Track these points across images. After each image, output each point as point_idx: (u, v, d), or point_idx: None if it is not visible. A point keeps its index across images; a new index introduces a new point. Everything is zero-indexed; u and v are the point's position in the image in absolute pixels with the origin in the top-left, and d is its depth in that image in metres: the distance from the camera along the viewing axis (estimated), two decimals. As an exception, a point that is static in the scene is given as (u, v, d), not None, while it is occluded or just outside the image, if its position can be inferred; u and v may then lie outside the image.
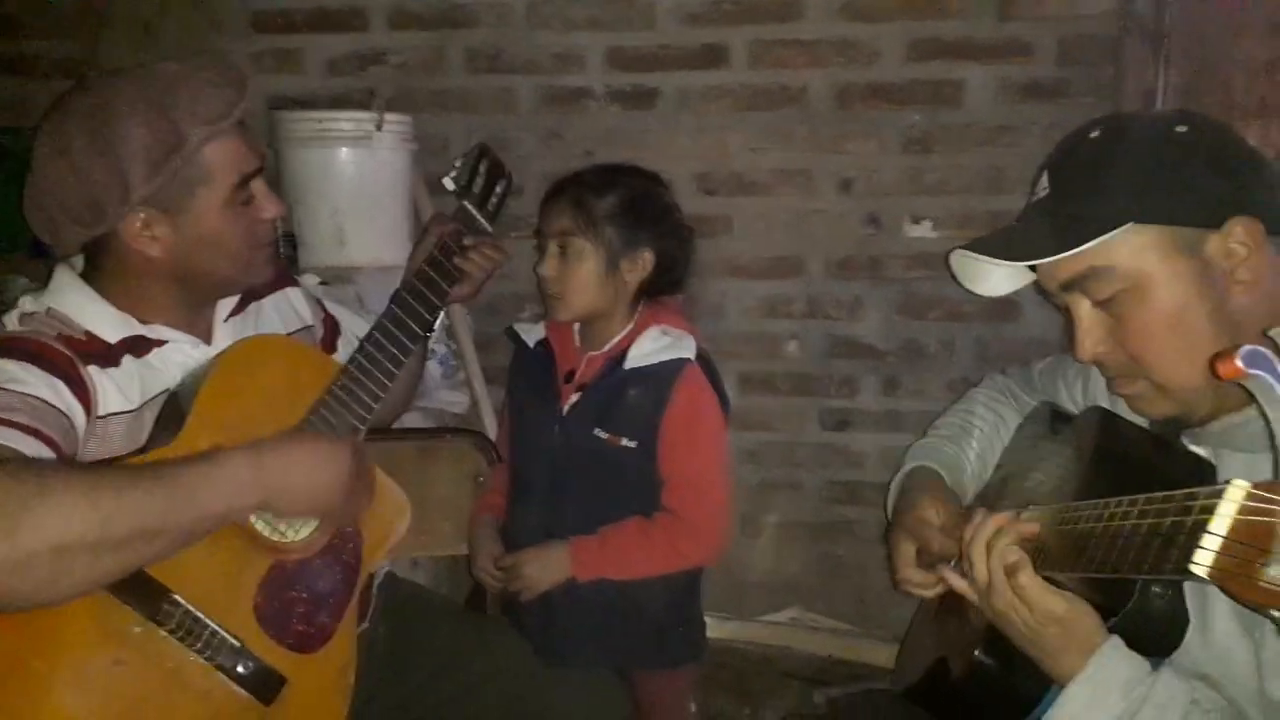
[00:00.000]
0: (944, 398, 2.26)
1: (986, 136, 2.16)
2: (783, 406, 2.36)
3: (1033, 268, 1.04)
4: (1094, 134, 1.00)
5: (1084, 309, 0.99)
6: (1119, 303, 0.95)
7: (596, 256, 1.49)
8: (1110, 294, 0.95)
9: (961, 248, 1.07)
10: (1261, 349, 0.67)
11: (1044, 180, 1.03)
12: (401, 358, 1.30)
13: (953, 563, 1.22)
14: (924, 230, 2.23)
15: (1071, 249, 0.94)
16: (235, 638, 1.10)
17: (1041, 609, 0.91)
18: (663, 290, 1.57)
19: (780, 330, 2.33)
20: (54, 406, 1.05)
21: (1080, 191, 0.97)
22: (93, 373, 1.12)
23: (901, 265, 2.25)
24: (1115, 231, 0.93)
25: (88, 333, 1.15)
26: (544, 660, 1.48)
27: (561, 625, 1.52)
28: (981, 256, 1.04)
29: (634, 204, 1.51)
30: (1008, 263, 1.02)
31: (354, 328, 1.50)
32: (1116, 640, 0.90)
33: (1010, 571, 0.93)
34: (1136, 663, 0.90)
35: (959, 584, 1.04)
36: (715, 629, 1.71)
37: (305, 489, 1.09)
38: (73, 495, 0.90)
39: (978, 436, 1.36)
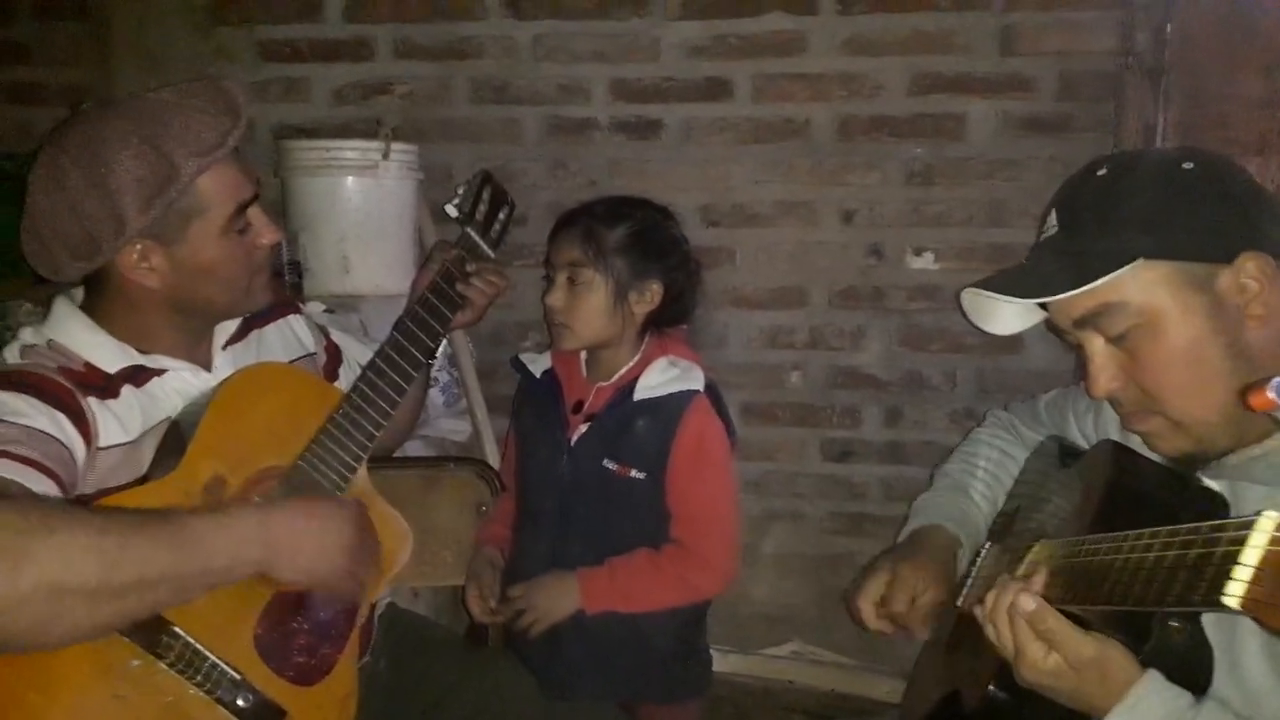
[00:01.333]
0: (946, 429, 2.27)
1: (988, 170, 2.18)
2: (784, 437, 2.36)
3: (1044, 305, 1.04)
4: (1101, 171, 1.00)
5: (1097, 346, 0.99)
6: (1132, 339, 0.95)
7: (605, 288, 1.49)
8: (1123, 330, 0.95)
9: (972, 286, 1.07)
10: None
11: (1052, 218, 1.03)
12: (404, 385, 1.30)
13: (966, 586, 1.22)
14: (926, 262, 2.24)
15: (1083, 286, 0.94)
16: (236, 670, 1.08)
17: (1073, 651, 0.89)
18: (669, 321, 1.58)
19: (782, 360, 2.33)
20: (55, 439, 1.05)
21: (1090, 228, 0.98)
22: (92, 404, 1.11)
23: (903, 296, 2.26)
24: (1126, 267, 0.93)
25: (87, 364, 1.15)
26: (548, 693, 1.46)
27: (566, 658, 1.50)
28: (993, 294, 1.03)
29: (643, 236, 1.52)
30: (1020, 300, 1.02)
31: (357, 355, 1.50)
32: (1154, 672, 0.89)
33: (1033, 620, 0.91)
34: (1176, 692, 0.89)
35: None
36: (716, 662, 1.69)
37: (308, 554, 1.08)
38: (78, 538, 0.88)
39: (984, 479, 1.36)
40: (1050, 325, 1.06)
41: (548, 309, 1.53)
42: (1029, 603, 0.91)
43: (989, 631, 0.97)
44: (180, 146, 1.11)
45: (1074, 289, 0.95)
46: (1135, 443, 1.06)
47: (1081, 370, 1.02)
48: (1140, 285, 0.94)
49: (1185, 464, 1.00)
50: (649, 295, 1.52)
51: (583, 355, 1.59)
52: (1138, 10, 2.04)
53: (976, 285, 1.06)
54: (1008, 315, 1.09)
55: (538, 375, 1.62)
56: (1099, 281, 0.94)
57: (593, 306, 1.49)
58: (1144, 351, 0.95)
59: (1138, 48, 2.05)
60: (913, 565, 1.26)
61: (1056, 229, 1.02)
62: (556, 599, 1.49)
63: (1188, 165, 0.96)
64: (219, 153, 1.13)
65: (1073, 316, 0.99)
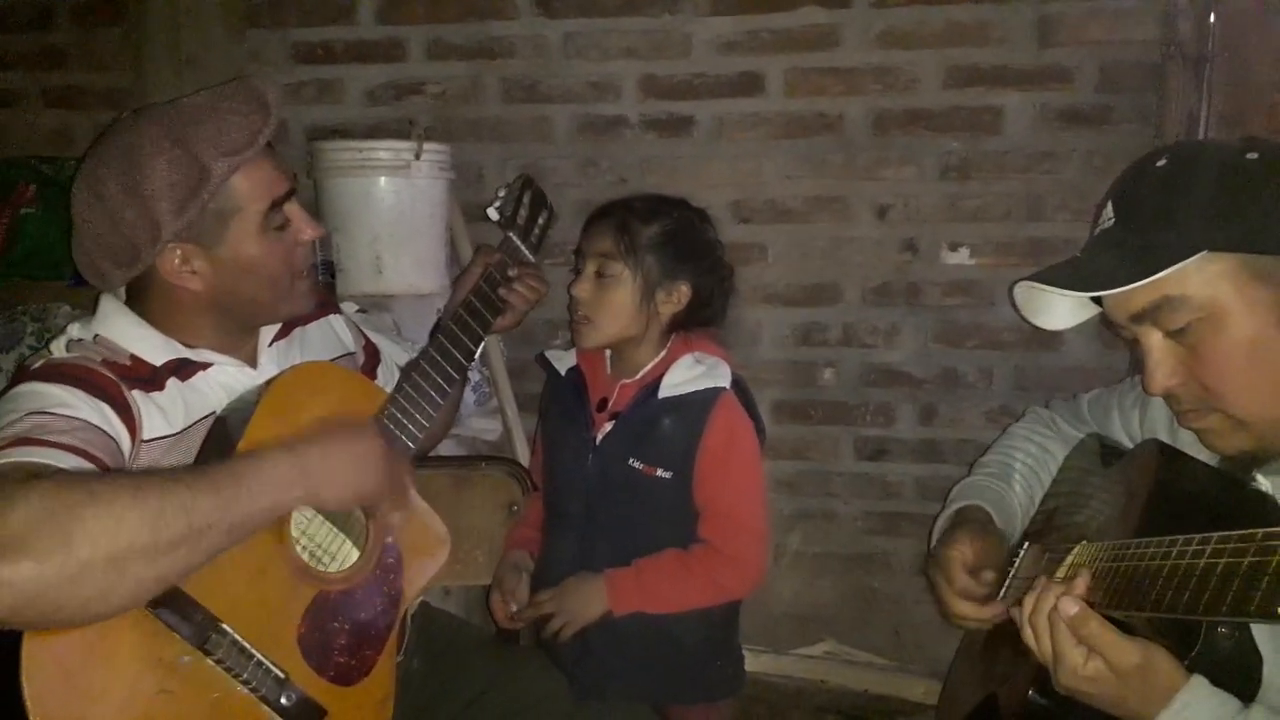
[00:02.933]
0: (982, 427, 2.24)
1: (1025, 163, 2.15)
2: (817, 435, 2.34)
3: (1097, 300, 1.02)
4: (1160, 163, 0.98)
5: (1155, 340, 0.97)
6: (1193, 333, 0.93)
7: (633, 283, 1.48)
8: (1183, 324, 0.93)
9: (1027, 279, 1.05)
10: None
11: (1108, 210, 1.01)
12: (447, 387, 1.31)
13: (1005, 586, 1.20)
14: (962, 257, 2.21)
15: (1146, 278, 0.92)
16: (280, 669, 1.09)
17: (1116, 657, 0.87)
18: (696, 324, 1.55)
19: (815, 358, 2.31)
20: (101, 429, 1.06)
21: (1151, 220, 0.95)
22: (137, 397, 1.13)
23: (939, 292, 2.23)
24: (1189, 260, 0.91)
25: (133, 357, 1.16)
26: (579, 693, 1.45)
27: (597, 658, 1.50)
28: (1049, 288, 1.01)
29: (677, 236, 1.50)
30: (1077, 293, 1.00)
31: (394, 355, 1.50)
32: (1200, 678, 0.87)
33: (1075, 625, 0.89)
34: (1223, 699, 0.87)
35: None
36: (749, 662, 1.68)
37: (348, 475, 1.09)
38: (121, 499, 0.89)
39: (1023, 471, 1.33)
40: (1105, 321, 1.03)
41: (572, 299, 1.52)
42: (1071, 607, 0.90)
43: (1027, 635, 0.96)
44: (211, 148, 1.12)
45: (1137, 281, 0.93)
46: (1183, 442, 1.03)
47: (1136, 366, 0.99)
48: (1204, 278, 0.92)
49: (1242, 464, 0.97)
50: (676, 296, 1.51)
51: (607, 352, 1.58)
52: (1180, -1, 2.01)
53: (1031, 278, 1.04)
54: (1061, 310, 1.07)
55: (563, 372, 1.61)
56: (1162, 273, 0.92)
57: (618, 301, 1.48)
58: (1205, 346, 0.93)
59: (1180, 37, 2.01)
60: (948, 548, 1.22)
61: (1114, 221, 1.00)
62: (584, 602, 1.48)
63: (1252, 156, 0.93)
64: (249, 151, 1.14)
65: (1131, 310, 0.97)
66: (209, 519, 0.94)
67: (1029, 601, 0.96)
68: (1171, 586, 0.80)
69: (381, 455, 1.14)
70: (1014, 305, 1.12)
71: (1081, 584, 0.93)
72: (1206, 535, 0.78)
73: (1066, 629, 0.90)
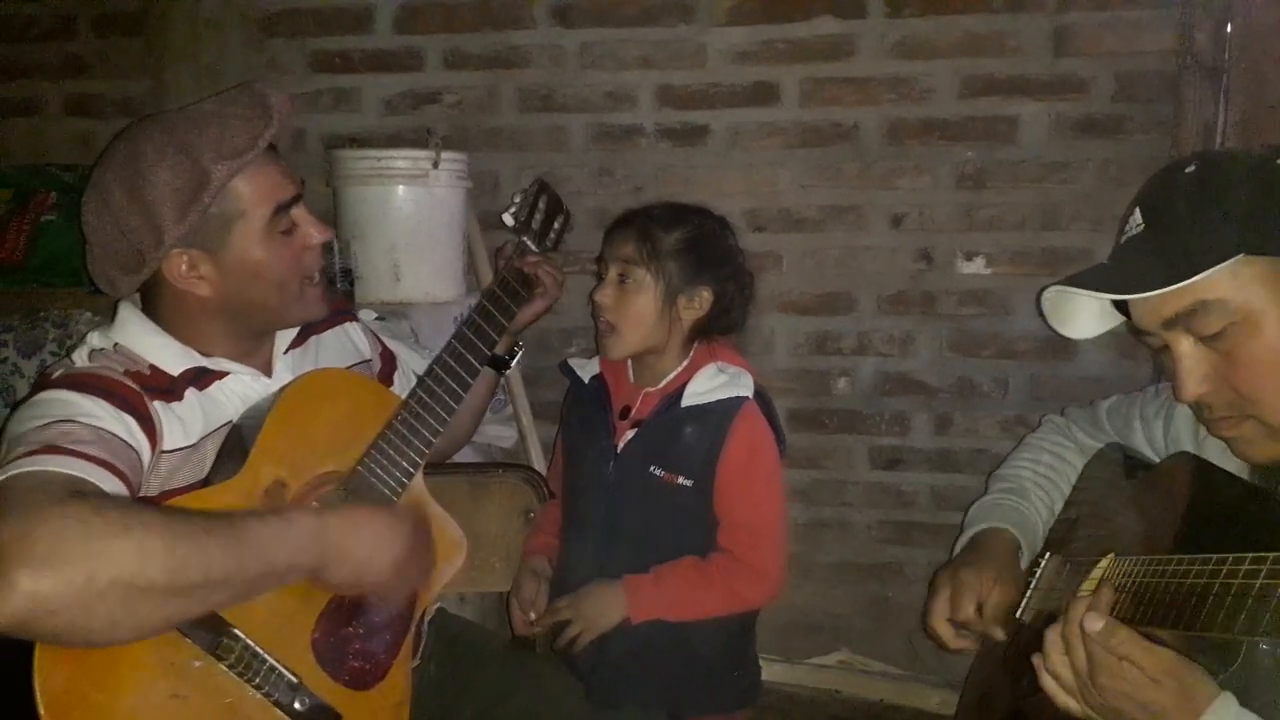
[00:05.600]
0: (997, 437, 2.23)
1: (1041, 173, 2.14)
2: (832, 444, 2.33)
3: (1122, 309, 1.01)
4: (1189, 169, 0.97)
5: (1186, 347, 0.96)
6: (1228, 338, 0.93)
7: (655, 289, 1.48)
8: (1218, 329, 0.93)
9: (1058, 283, 1.04)
10: None
11: (1136, 217, 1.00)
12: (460, 392, 1.30)
13: (1026, 597, 1.18)
14: (977, 267, 2.21)
15: (1183, 280, 0.91)
16: (293, 674, 1.09)
17: (1152, 663, 0.85)
18: (717, 331, 1.56)
19: (830, 367, 2.31)
20: (125, 442, 1.07)
21: (1185, 224, 0.95)
22: (157, 408, 1.13)
23: (954, 302, 2.23)
24: (1227, 263, 0.91)
25: (152, 366, 1.17)
26: (595, 701, 1.46)
27: (613, 666, 1.49)
28: (1083, 291, 1.01)
29: (699, 243, 1.51)
30: (1111, 297, 0.99)
31: (411, 363, 1.51)
32: (1229, 696, 0.85)
33: (1104, 637, 0.88)
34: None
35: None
36: (763, 671, 1.67)
37: (356, 562, 1.08)
38: (152, 539, 0.90)
39: (1042, 485, 1.33)
40: (1130, 329, 1.03)
41: (596, 306, 1.52)
42: (1096, 621, 0.88)
43: (1053, 655, 0.94)
44: (211, 152, 1.12)
45: (1174, 284, 0.92)
46: (1209, 452, 1.03)
47: (1161, 373, 0.99)
48: (1239, 282, 0.91)
49: (1274, 473, 0.96)
50: (698, 302, 1.51)
51: (630, 361, 1.59)
52: (1196, 8, 2.00)
53: (1064, 282, 1.03)
54: (1086, 318, 1.07)
55: (586, 380, 1.62)
56: (1198, 277, 0.91)
57: (640, 306, 1.49)
58: (1240, 352, 0.92)
59: (1197, 46, 2.00)
60: (973, 570, 1.23)
61: (1143, 227, 0.99)
62: (603, 609, 1.48)
63: None
64: (249, 155, 1.14)
65: (1164, 316, 0.96)
66: (226, 574, 0.95)
67: (1054, 630, 0.94)
68: (1207, 606, 0.79)
69: (403, 552, 1.12)
70: (1040, 312, 1.11)
71: (1104, 599, 0.91)
72: (1260, 555, 0.77)
73: (1098, 644, 0.88)
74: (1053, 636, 0.94)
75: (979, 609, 1.21)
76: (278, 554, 1.00)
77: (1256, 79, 2.02)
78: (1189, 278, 0.91)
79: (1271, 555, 0.73)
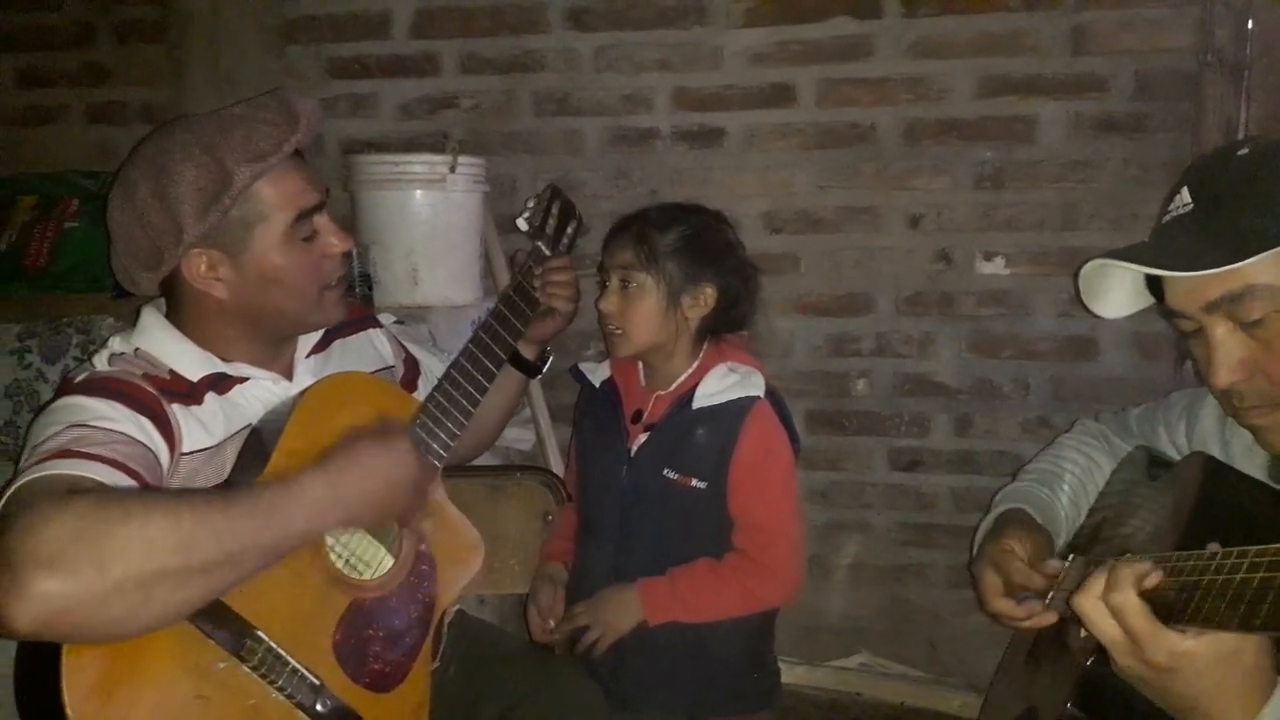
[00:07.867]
0: (1018, 438, 2.22)
1: (1060, 172, 2.13)
2: (851, 446, 2.32)
3: (1154, 290, 0.98)
4: (1243, 151, 0.96)
5: (1222, 331, 0.94)
6: (1268, 326, 0.91)
7: (657, 292, 1.49)
8: (1260, 315, 0.91)
9: (1101, 257, 1.03)
10: None
11: (1184, 195, 0.99)
12: (478, 395, 1.31)
13: (1049, 598, 1.17)
14: (997, 267, 2.19)
15: (1235, 262, 0.89)
16: (315, 676, 1.09)
17: (1211, 642, 0.78)
18: (726, 328, 1.56)
19: (849, 368, 2.30)
20: (141, 443, 1.07)
21: (1238, 206, 0.93)
22: (177, 411, 1.14)
23: (973, 302, 2.21)
24: None
25: (172, 371, 1.18)
26: (614, 704, 1.45)
27: (632, 669, 1.50)
28: (1129, 265, 0.98)
29: (696, 240, 1.51)
30: (1158, 272, 0.96)
31: (432, 367, 1.51)
32: None
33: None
34: None
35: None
36: (783, 674, 1.67)
37: (382, 497, 1.09)
38: (155, 521, 0.90)
39: (1069, 480, 1.31)
40: (1163, 310, 1.00)
41: (601, 314, 1.53)
42: (1156, 577, 0.82)
43: (1097, 613, 0.85)
44: (236, 154, 1.13)
45: (1227, 265, 0.90)
46: (1234, 451, 1.01)
47: (1186, 356, 0.97)
48: None
49: None
50: (702, 299, 1.51)
51: (640, 364, 1.59)
52: (1217, 5, 1.98)
53: (1109, 255, 1.02)
54: (1119, 294, 1.06)
55: (597, 385, 1.62)
56: (1252, 260, 0.89)
57: (645, 310, 1.49)
58: (1279, 341, 0.90)
59: (1218, 44, 1.98)
60: (998, 542, 1.19)
61: (1191, 206, 0.97)
62: (619, 612, 1.48)
63: None
64: (273, 158, 1.14)
65: (1208, 298, 0.94)
66: (242, 544, 0.95)
67: (1096, 580, 0.85)
68: (1209, 600, 0.78)
69: (413, 465, 1.14)
70: (1076, 288, 1.10)
71: (1147, 573, 0.83)
72: (1244, 550, 0.76)
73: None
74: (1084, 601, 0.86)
75: (1028, 568, 1.16)
76: (294, 517, 1.00)
77: (1279, 75, 2.00)
78: (1243, 259, 0.89)
79: (1272, 548, 0.71)
